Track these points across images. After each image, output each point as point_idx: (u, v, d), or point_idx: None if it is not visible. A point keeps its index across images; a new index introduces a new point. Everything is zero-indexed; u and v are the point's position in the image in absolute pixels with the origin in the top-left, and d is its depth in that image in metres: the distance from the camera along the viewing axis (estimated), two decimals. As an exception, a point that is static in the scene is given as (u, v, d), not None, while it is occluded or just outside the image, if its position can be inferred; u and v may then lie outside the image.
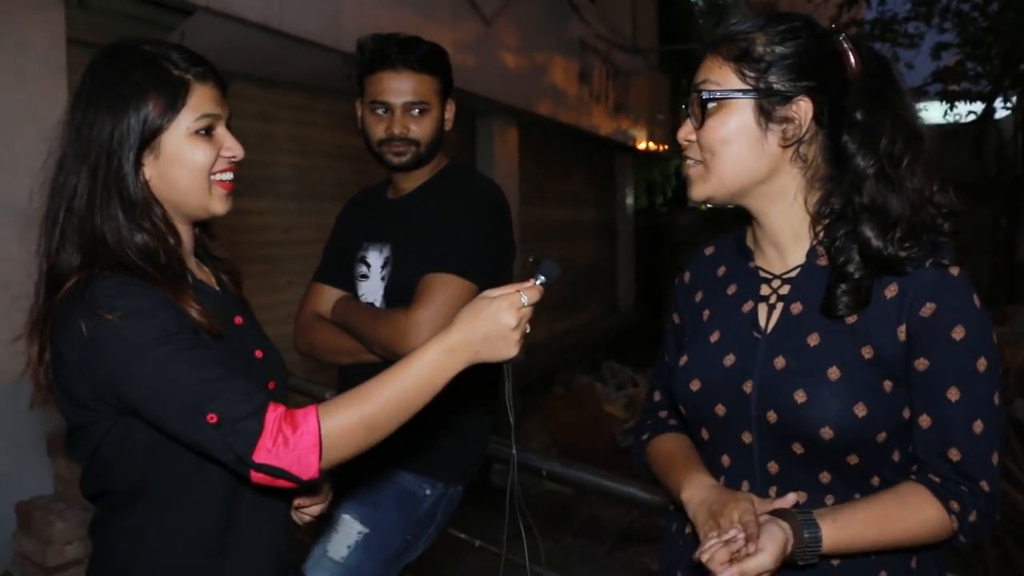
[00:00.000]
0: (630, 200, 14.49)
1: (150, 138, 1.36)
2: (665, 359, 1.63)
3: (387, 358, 2.09)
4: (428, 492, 2.20)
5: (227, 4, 4.59)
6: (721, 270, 1.54)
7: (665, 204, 16.15)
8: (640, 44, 13.17)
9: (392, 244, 2.24)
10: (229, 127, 1.45)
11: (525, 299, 1.32)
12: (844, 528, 1.28)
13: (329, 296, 2.30)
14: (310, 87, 6.14)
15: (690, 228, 14.93)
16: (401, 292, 2.17)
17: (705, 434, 1.47)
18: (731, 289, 1.49)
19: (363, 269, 2.27)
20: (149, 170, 1.38)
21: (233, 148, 1.44)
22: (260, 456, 1.23)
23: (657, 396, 1.67)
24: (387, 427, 1.30)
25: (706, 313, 1.51)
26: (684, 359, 1.49)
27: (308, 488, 1.32)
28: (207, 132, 1.41)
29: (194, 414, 1.25)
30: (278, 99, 5.96)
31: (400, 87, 2.16)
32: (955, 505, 1.28)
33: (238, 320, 1.47)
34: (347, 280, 2.30)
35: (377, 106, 2.18)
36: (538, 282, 1.36)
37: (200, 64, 1.41)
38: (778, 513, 1.30)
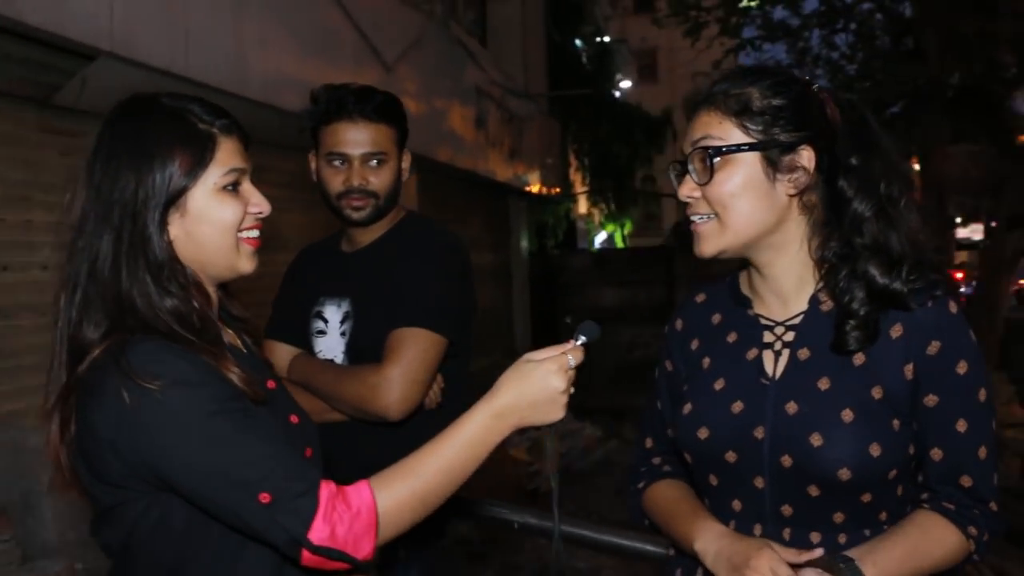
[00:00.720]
0: (524, 243, 14.63)
1: (176, 196, 1.29)
2: (657, 406, 1.64)
3: (356, 416, 2.02)
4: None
5: (132, 49, 4.43)
6: (716, 318, 1.56)
7: (556, 247, 16.37)
8: (531, 90, 13.39)
9: (352, 299, 2.17)
10: (252, 181, 1.39)
11: (572, 361, 1.31)
12: (885, 570, 1.30)
13: (283, 353, 2.19)
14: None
15: (581, 270, 15.18)
16: (365, 348, 2.11)
17: (714, 480, 1.47)
18: (731, 337, 1.51)
19: (320, 325, 2.19)
20: (175, 229, 1.30)
21: (260, 204, 1.38)
22: (315, 537, 1.16)
23: (649, 443, 1.66)
24: (438, 500, 1.26)
25: (706, 361, 1.52)
26: (688, 407, 1.49)
27: (360, 568, 1.24)
28: (234, 188, 1.35)
29: (245, 494, 1.16)
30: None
31: (358, 138, 2.12)
32: (973, 530, 1.35)
33: (271, 384, 1.38)
34: (301, 336, 2.21)
35: (334, 158, 2.12)
36: (578, 343, 1.35)
37: (224, 116, 1.35)
38: (818, 563, 1.32)
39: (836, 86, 12.86)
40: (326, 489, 1.19)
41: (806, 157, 1.37)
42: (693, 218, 1.44)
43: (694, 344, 1.56)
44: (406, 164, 2.22)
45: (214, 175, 1.32)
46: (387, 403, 1.96)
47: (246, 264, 1.38)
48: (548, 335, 14.52)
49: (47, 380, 1.30)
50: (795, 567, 1.32)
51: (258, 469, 1.18)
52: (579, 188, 17.69)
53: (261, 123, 5.44)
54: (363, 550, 1.19)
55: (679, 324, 1.61)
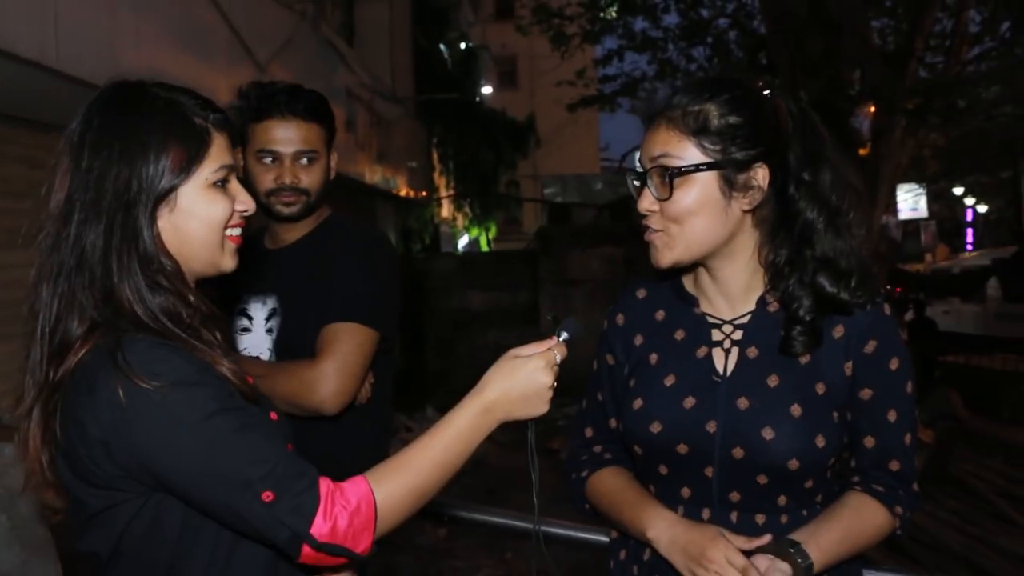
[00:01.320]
0: (391, 247, 14.54)
1: (169, 190, 1.24)
2: (598, 398, 1.68)
3: (290, 412, 1.99)
4: None
5: (-2, 38, 4.17)
6: (660, 314, 1.60)
7: (422, 250, 16.34)
8: (398, 93, 13.34)
9: (278, 296, 2.15)
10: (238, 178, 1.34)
11: (558, 357, 1.34)
12: (827, 551, 1.42)
13: None
14: (80, 131, 5.69)
15: (447, 273, 15.21)
16: (294, 345, 2.09)
17: (664, 469, 1.53)
18: (679, 334, 1.56)
19: (244, 322, 2.16)
20: (163, 223, 1.26)
21: (247, 202, 1.35)
22: (318, 533, 1.15)
23: (589, 432, 1.71)
24: (432, 492, 1.27)
25: (654, 357, 1.57)
26: (639, 403, 1.54)
27: (358, 564, 1.24)
28: (223, 184, 1.31)
29: (247, 493, 1.14)
30: (46, 143, 5.45)
31: (289, 136, 2.09)
32: (899, 510, 1.48)
33: (250, 380, 1.34)
34: None
35: (265, 155, 2.09)
36: (561, 339, 1.38)
37: (216, 111, 1.31)
38: (767, 549, 1.41)
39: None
40: (324, 485, 1.19)
41: (761, 175, 1.43)
42: (650, 229, 1.48)
43: (638, 340, 1.61)
44: (334, 163, 2.21)
45: (207, 171, 1.28)
46: (323, 397, 1.96)
47: (229, 262, 1.35)
48: (416, 338, 14.47)
49: (22, 377, 1.23)
50: (747, 554, 1.40)
51: (259, 468, 1.16)
52: (444, 192, 17.71)
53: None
54: (362, 544, 1.19)
55: (620, 319, 1.65)
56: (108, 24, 5.11)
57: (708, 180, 1.42)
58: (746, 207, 1.44)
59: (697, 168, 1.41)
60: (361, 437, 2.12)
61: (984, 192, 26.45)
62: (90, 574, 1.27)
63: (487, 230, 19.18)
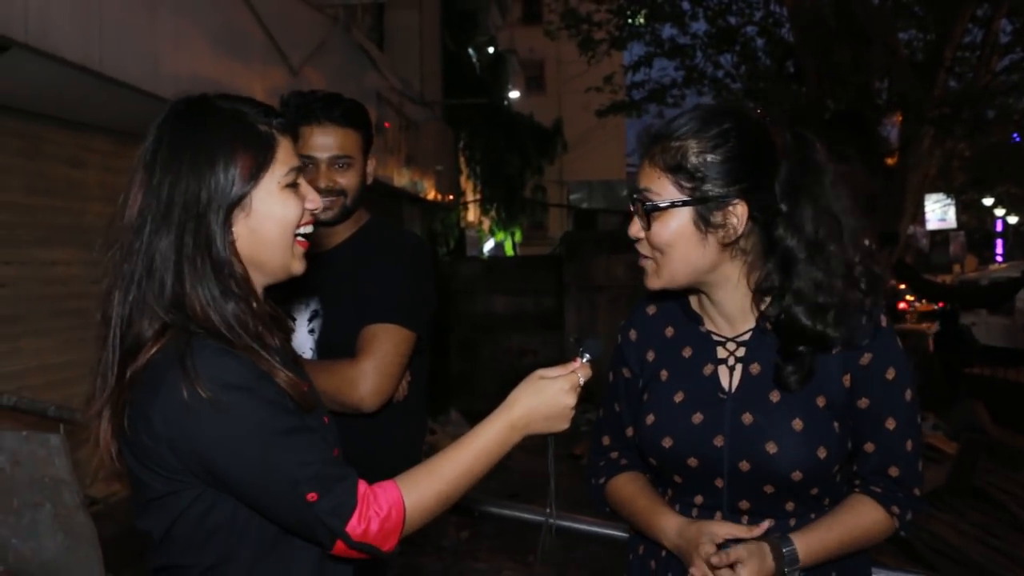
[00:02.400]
0: (418, 250, 14.60)
1: (241, 197, 1.32)
2: (615, 408, 1.76)
3: (333, 409, 2.07)
4: None
5: (46, 41, 4.29)
6: (669, 331, 1.68)
7: (448, 254, 16.43)
8: (427, 97, 13.44)
9: (320, 298, 2.23)
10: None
11: (581, 379, 1.44)
12: (813, 540, 1.50)
13: None
14: (121, 132, 5.81)
15: (472, 277, 15.28)
16: (333, 344, 2.17)
17: (678, 479, 1.62)
18: (687, 352, 1.64)
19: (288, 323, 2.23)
20: (239, 228, 1.33)
21: (316, 200, 1.43)
22: (352, 533, 1.26)
23: (606, 440, 1.80)
24: (455, 500, 1.37)
25: (664, 374, 1.66)
26: (651, 419, 1.62)
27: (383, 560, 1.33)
28: (293, 185, 1.39)
29: (294, 493, 1.24)
30: (87, 144, 5.60)
31: (325, 142, 2.16)
32: (895, 509, 1.55)
33: (304, 387, 1.42)
34: None
35: (302, 161, 2.16)
36: (584, 360, 1.46)
37: (277, 115, 1.39)
38: (760, 537, 1.51)
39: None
40: (362, 488, 1.28)
41: (739, 211, 1.47)
42: (642, 255, 1.57)
43: (650, 355, 1.69)
44: (371, 168, 2.28)
45: (277, 174, 1.36)
46: (362, 395, 2.04)
47: (298, 265, 1.43)
48: (440, 341, 14.55)
49: (94, 378, 1.32)
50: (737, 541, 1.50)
51: (306, 470, 1.25)
52: (470, 196, 17.80)
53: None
54: (389, 544, 1.29)
55: (633, 334, 1.73)
56: (149, 28, 5.23)
57: (682, 215, 1.49)
58: (724, 241, 1.50)
59: (672, 204, 1.48)
60: (397, 434, 2.21)
61: (1014, 203, 26.20)
62: (145, 549, 1.37)
63: (512, 234, 19.24)
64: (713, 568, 1.47)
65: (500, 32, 21.22)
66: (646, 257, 1.55)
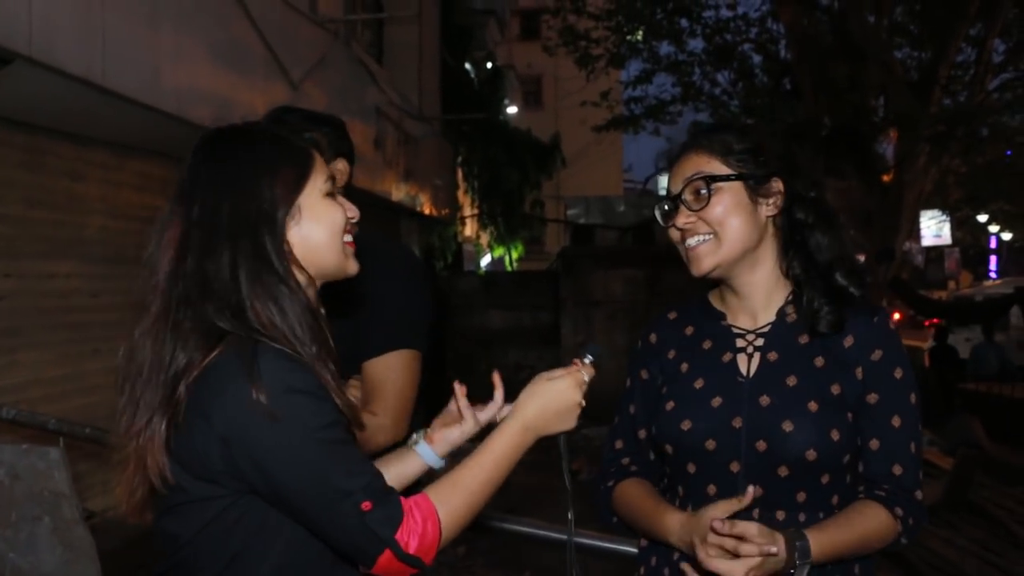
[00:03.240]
0: (415, 264, 14.63)
1: (291, 205, 1.36)
2: (630, 411, 1.82)
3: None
4: None
5: (50, 55, 4.33)
6: (689, 330, 1.78)
7: (445, 268, 16.45)
8: (426, 112, 13.49)
9: None
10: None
11: (585, 376, 1.49)
12: (825, 538, 1.52)
13: None
14: (120, 146, 5.84)
15: (469, 292, 15.29)
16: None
17: (691, 468, 1.66)
18: (707, 344, 1.74)
19: None
20: (291, 236, 1.37)
21: (354, 209, 1.47)
22: (402, 543, 1.27)
23: (619, 444, 1.84)
24: (482, 505, 1.39)
25: (684, 366, 1.74)
26: (671, 404, 1.69)
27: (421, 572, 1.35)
28: (332, 195, 1.43)
29: (350, 500, 1.25)
30: (87, 157, 5.62)
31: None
32: (899, 511, 1.58)
33: (357, 409, 1.45)
34: None
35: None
36: (587, 360, 1.52)
37: (307, 132, 1.49)
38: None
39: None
40: (405, 503, 1.30)
41: (778, 186, 1.67)
42: (689, 242, 1.67)
43: (671, 354, 1.77)
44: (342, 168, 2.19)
45: (319, 183, 1.40)
46: (380, 444, 1.96)
47: (352, 264, 1.47)
48: (437, 356, 14.53)
49: (132, 401, 1.33)
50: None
51: (360, 479, 1.27)
52: (468, 211, 17.84)
53: (173, 136, 5.38)
54: (429, 556, 1.31)
55: (653, 338, 1.82)
56: (151, 42, 5.26)
57: (738, 188, 1.66)
58: (771, 212, 1.67)
59: (728, 178, 1.66)
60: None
61: (1008, 220, 26.30)
62: (163, 551, 1.38)
63: (511, 249, 19.26)
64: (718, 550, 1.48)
65: (498, 48, 21.34)
66: (699, 239, 1.66)
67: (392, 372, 2.03)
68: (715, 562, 1.46)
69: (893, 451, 1.60)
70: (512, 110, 20.72)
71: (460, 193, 17.15)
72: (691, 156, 1.69)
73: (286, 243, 1.36)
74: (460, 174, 17.09)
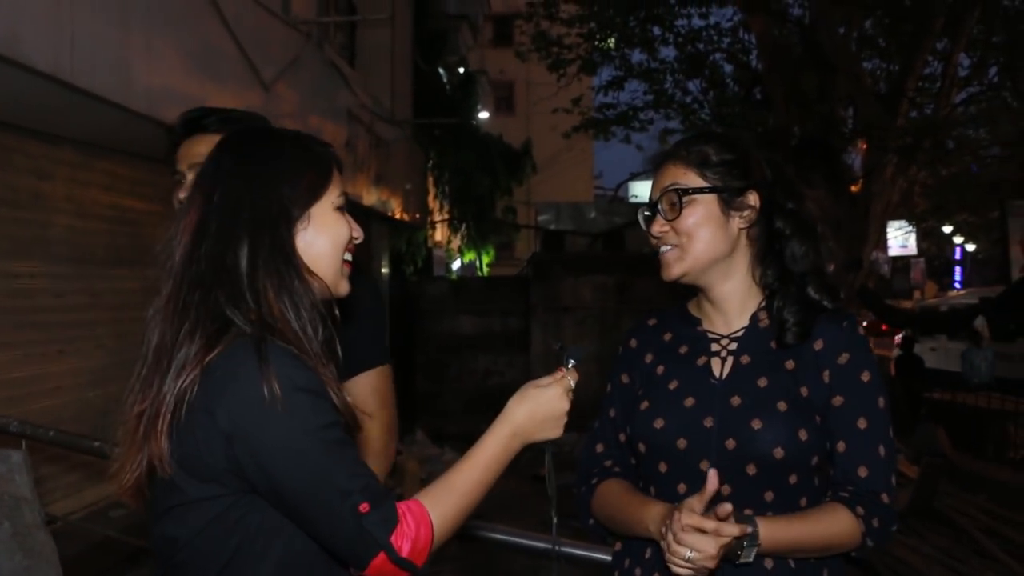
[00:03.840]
0: (385, 269, 14.59)
1: (305, 209, 1.36)
2: (610, 415, 1.85)
3: None
4: None
5: (15, 50, 4.24)
6: (668, 336, 1.83)
7: (414, 273, 16.38)
8: (397, 116, 13.44)
9: None
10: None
11: (572, 383, 1.50)
12: (775, 528, 1.53)
13: None
14: (88, 144, 5.76)
15: (439, 297, 15.25)
16: None
17: (663, 467, 1.70)
18: (683, 349, 1.79)
19: None
20: (298, 241, 1.37)
21: (357, 230, 1.46)
22: (396, 546, 1.27)
23: (600, 448, 1.86)
24: (472, 509, 1.40)
25: (660, 369, 1.79)
26: (646, 404, 1.74)
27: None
28: (342, 210, 1.43)
29: (349, 501, 1.25)
30: (54, 155, 5.53)
31: (198, 151, 1.94)
32: (860, 510, 1.59)
33: (355, 411, 1.44)
34: None
35: (179, 176, 2.01)
36: (570, 365, 1.53)
37: (325, 145, 1.44)
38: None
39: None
40: (399, 505, 1.30)
41: (752, 199, 1.71)
42: (662, 249, 1.74)
43: (648, 358, 1.82)
44: None
45: (333, 194, 1.41)
46: (378, 453, 1.94)
47: (345, 285, 1.47)
48: (407, 361, 14.47)
49: (140, 382, 1.32)
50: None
51: (358, 481, 1.27)
52: (438, 215, 17.78)
53: (143, 136, 5.31)
54: (422, 559, 1.31)
55: (633, 343, 1.87)
56: (121, 40, 5.19)
57: (710, 201, 1.70)
58: (743, 224, 1.71)
59: (701, 190, 1.70)
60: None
61: (972, 231, 26.73)
62: (160, 557, 1.36)
63: (481, 255, 19.24)
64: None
65: (471, 52, 21.31)
66: (669, 247, 1.71)
67: (382, 385, 2.02)
68: (690, 537, 1.47)
69: (858, 454, 1.62)
70: (484, 115, 20.70)
71: (431, 198, 17.09)
72: (669, 166, 1.74)
73: (296, 245, 1.37)
74: (431, 179, 17.03)
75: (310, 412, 1.26)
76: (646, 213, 1.78)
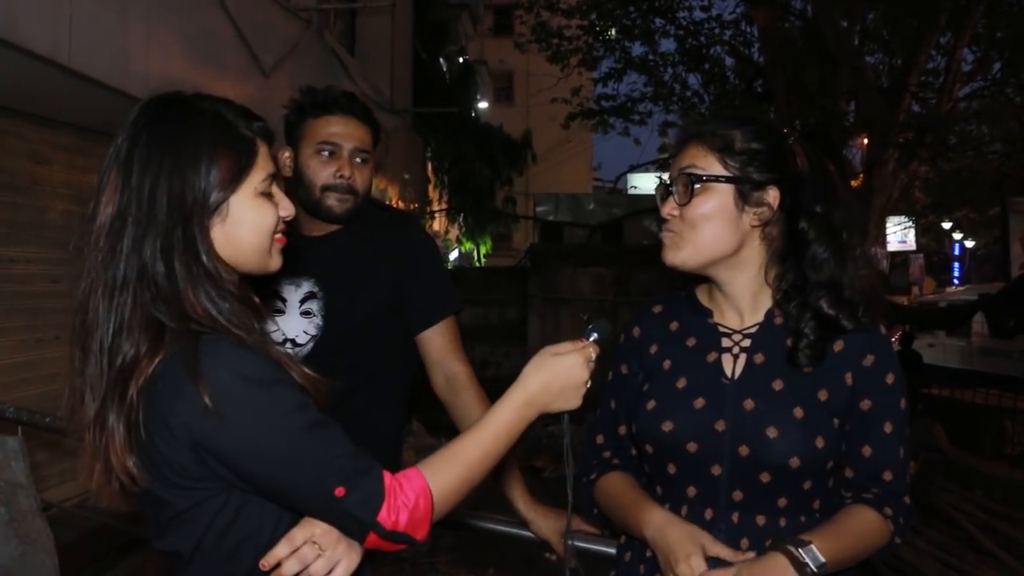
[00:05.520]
0: (383, 258, 14.54)
1: (221, 200, 1.29)
2: (611, 406, 1.79)
3: None
4: None
5: (13, 32, 4.20)
6: (674, 325, 1.73)
7: (413, 263, 16.31)
8: (397, 104, 13.38)
9: (317, 280, 2.20)
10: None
11: (593, 355, 1.44)
12: (830, 547, 1.46)
13: None
14: (87, 129, 5.71)
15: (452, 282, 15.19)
16: (343, 327, 2.17)
17: (672, 469, 1.63)
18: (691, 342, 1.69)
19: (276, 303, 2.19)
20: (215, 233, 1.30)
21: (289, 208, 1.39)
22: (383, 521, 1.24)
23: (600, 439, 1.82)
24: (478, 480, 1.35)
25: (667, 363, 1.69)
26: (652, 404, 1.65)
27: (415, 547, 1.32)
28: (267, 192, 1.36)
29: (322, 488, 1.22)
30: (51, 139, 5.48)
31: (350, 131, 2.15)
32: (888, 511, 1.55)
33: (320, 380, 1.39)
34: None
35: (325, 147, 2.14)
36: (592, 339, 1.47)
37: (256, 119, 1.35)
38: (776, 548, 1.47)
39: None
40: (388, 479, 1.26)
41: (772, 196, 1.58)
42: (665, 231, 1.64)
43: (653, 349, 1.72)
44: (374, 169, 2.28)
45: (255, 180, 1.33)
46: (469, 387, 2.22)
47: (276, 261, 1.40)
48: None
49: (78, 388, 1.27)
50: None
51: (332, 464, 1.23)
52: (436, 205, 17.74)
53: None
54: (421, 532, 1.28)
55: (636, 331, 1.77)
56: (120, 25, 5.14)
57: (725, 191, 1.58)
58: (755, 223, 1.59)
59: (717, 179, 1.58)
60: (379, 425, 2.24)
61: (972, 227, 26.71)
62: (172, 571, 1.33)
63: (479, 245, 19.20)
64: None
65: (471, 42, 21.25)
66: (671, 232, 1.62)
67: (455, 332, 2.26)
68: None
69: (884, 458, 1.58)
70: (483, 105, 20.64)
71: (430, 187, 17.05)
72: (692, 146, 1.62)
73: (209, 237, 1.29)
74: (430, 168, 16.98)
75: (266, 404, 1.21)
76: (662, 193, 1.66)
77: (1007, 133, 13.23)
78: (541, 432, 8.93)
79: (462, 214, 18.35)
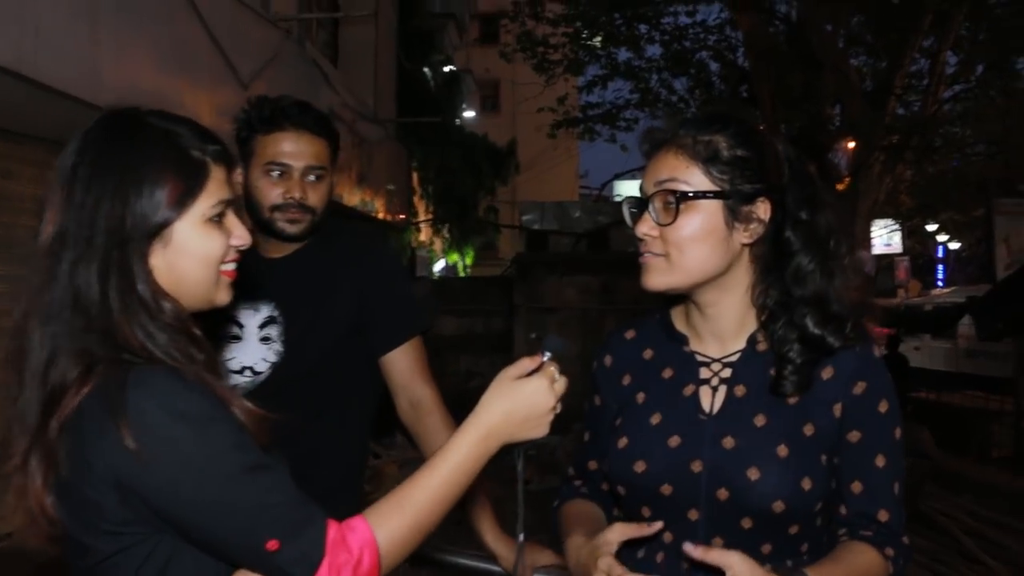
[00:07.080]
0: (368, 269, 14.45)
1: (164, 226, 1.19)
2: (584, 437, 1.68)
3: None
4: None
5: (-26, 45, 4.11)
6: (648, 353, 1.58)
7: (398, 274, 16.22)
8: (381, 115, 13.31)
9: (276, 304, 2.10)
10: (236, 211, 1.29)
11: (556, 374, 1.31)
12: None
13: None
14: (56, 143, 5.58)
15: (422, 299, 15.14)
16: (303, 354, 2.07)
17: (646, 512, 1.48)
18: (667, 373, 1.53)
19: (233, 330, 2.09)
20: (155, 259, 1.20)
21: (243, 236, 1.29)
22: None
23: (571, 471, 1.72)
24: (432, 525, 1.24)
25: (640, 396, 1.54)
26: (624, 441, 1.50)
27: None
28: (219, 219, 1.25)
29: (253, 539, 1.11)
30: (18, 154, 5.37)
31: (300, 149, 2.03)
32: (889, 551, 1.41)
33: (263, 416, 1.29)
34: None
35: (274, 168, 2.03)
36: (546, 358, 1.33)
37: (214, 142, 1.26)
38: (778, 571, 1.34)
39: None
40: (331, 532, 1.15)
41: (763, 209, 1.42)
42: (646, 253, 1.45)
43: (626, 379, 1.59)
44: (334, 181, 2.17)
45: (203, 206, 1.23)
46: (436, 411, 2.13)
47: (223, 296, 1.30)
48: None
49: (10, 420, 1.18)
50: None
51: (267, 514, 1.13)
52: (422, 215, 17.65)
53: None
54: None
55: (608, 360, 1.63)
56: (89, 36, 5.04)
57: (713, 208, 1.40)
58: (746, 240, 1.43)
59: (706, 195, 1.39)
60: (336, 453, 2.12)
61: (956, 229, 26.76)
62: None
63: (463, 255, 19.12)
64: None
65: (456, 52, 21.19)
66: (655, 255, 1.44)
67: (421, 354, 2.15)
68: None
69: (877, 495, 1.43)
70: (469, 115, 20.58)
71: (415, 198, 16.96)
72: (669, 153, 1.43)
73: (147, 264, 1.20)
74: (415, 178, 16.89)
75: (195, 444, 1.11)
76: (632, 209, 1.49)
77: (990, 135, 13.25)
78: (529, 443, 8.82)
79: (447, 224, 18.26)
